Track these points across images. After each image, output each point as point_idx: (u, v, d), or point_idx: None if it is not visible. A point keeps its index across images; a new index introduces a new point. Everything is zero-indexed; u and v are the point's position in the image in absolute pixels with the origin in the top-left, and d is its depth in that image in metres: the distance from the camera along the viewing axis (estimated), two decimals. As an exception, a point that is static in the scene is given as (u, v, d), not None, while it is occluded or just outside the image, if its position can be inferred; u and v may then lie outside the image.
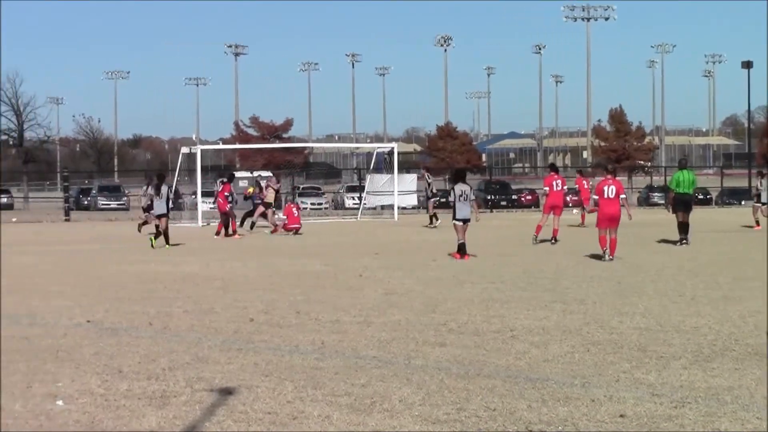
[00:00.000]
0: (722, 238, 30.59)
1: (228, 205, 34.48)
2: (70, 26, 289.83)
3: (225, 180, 37.51)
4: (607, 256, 22.72)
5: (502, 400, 8.86)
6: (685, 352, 11.18)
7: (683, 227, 27.95)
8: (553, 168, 31.38)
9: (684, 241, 27.50)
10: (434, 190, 43.03)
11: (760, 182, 38.78)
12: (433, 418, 8.32)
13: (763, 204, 37.77)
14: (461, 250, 23.53)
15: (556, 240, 28.19)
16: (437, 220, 39.48)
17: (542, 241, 28.32)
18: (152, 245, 28.84)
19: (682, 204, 28.19)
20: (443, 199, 49.23)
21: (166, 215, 29.91)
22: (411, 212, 57.14)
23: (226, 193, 34.71)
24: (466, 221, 23.68)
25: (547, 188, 29.58)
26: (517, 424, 8.10)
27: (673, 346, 11.56)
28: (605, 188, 23.75)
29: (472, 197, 23.98)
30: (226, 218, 34.70)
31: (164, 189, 30.12)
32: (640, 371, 10.10)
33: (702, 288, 17.22)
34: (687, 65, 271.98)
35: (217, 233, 34.39)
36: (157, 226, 30.32)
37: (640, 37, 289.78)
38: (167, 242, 29.24)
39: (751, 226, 36.04)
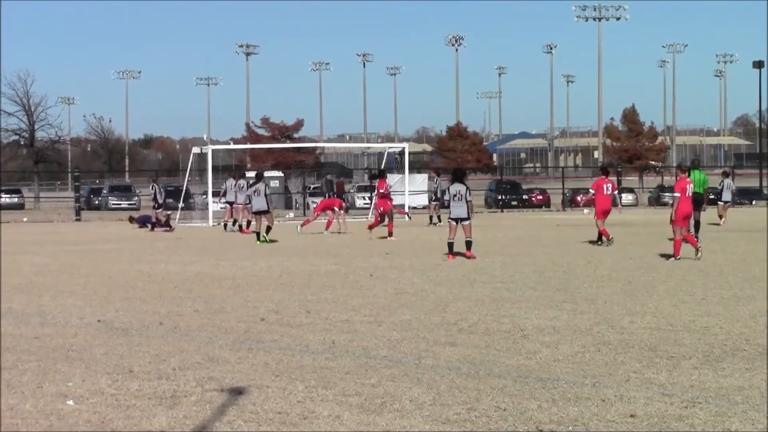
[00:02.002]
0: (732, 238, 30.52)
1: (390, 203, 33.38)
2: (81, 26, 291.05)
3: (379, 175, 35.69)
4: (678, 256, 22.46)
5: (512, 400, 8.85)
6: (695, 351, 11.16)
7: (694, 226, 28.13)
8: (604, 170, 30.28)
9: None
10: (438, 194, 43.20)
11: (722, 181, 41.12)
12: (444, 418, 8.31)
13: (725, 202, 39.37)
14: (450, 249, 23.70)
15: (610, 239, 27.16)
16: (439, 221, 40.45)
17: (591, 241, 28.04)
18: (260, 241, 30.46)
19: (693, 203, 28.38)
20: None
21: (268, 211, 31.09)
22: (422, 212, 57.10)
23: (381, 191, 33.42)
24: (458, 220, 23.86)
25: (594, 191, 28.30)
26: (527, 424, 8.09)
27: (684, 345, 11.55)
28: (687, 187, 23.22)
29: (468, 197, 23.95)
30: (384, 216, 32.98)
31: (261, 186, 31.28)
32: (651, 371, 10.09)
33: (713, 288, 17.19)
34: (698, 65, 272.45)
35: (390, 234, 32.10)
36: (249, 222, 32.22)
37: (652, 37, 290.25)
38: (266, 236, 30.63)
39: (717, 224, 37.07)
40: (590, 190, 29.20)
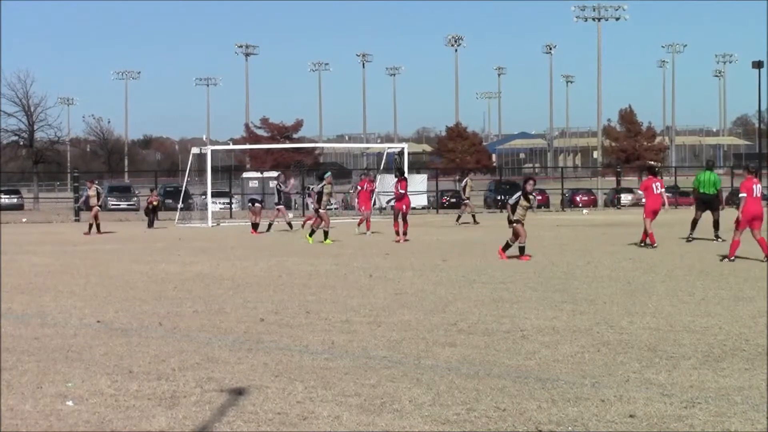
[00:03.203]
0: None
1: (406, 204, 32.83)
2: (80, 26, 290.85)
3: (400, 176, 34.57)
4: (727, 259, 22.31)
5: (512, 401, 8.85)
6: (695, 352, 11.16)
7: (713, 224, 29.06)
8: (652, 170, 30.00)
9: (695, 236, 28.47)
10: (463, 197, 45.80)
11: None
12: (443, 418, 8.31)
13: None
14: (520, 252, 23.73)
15: (655, 245, 26.65)
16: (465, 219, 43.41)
17: (633, 243, 27.70)
18: (311, 239, 31.34)
19: (703, 203, 29.64)
20: (453, 200, 50.72)
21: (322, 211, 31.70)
22: (421, 212, 57.16)
23: (402, 191, 32.84)
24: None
25: (643, 191, 28.07)
26: (526, 425, 8.09)
27: (684, 346, 11.54)
28: (754, 187, 22.72)
29: (510, 200, 24.14)
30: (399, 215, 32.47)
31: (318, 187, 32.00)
32: (650, 371, 10.09)
33: (712, 288, 17.19)
34: (698, 65, 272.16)
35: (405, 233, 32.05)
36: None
37: (651, 37, 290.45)
38: (325, 239, 31.07)
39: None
40: (639, 191, 28.64)
